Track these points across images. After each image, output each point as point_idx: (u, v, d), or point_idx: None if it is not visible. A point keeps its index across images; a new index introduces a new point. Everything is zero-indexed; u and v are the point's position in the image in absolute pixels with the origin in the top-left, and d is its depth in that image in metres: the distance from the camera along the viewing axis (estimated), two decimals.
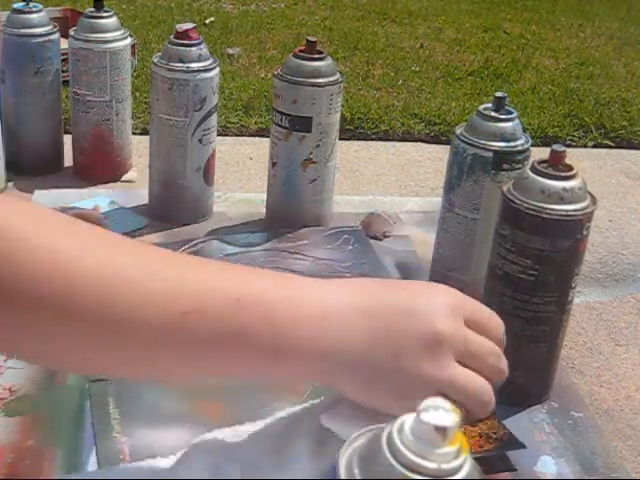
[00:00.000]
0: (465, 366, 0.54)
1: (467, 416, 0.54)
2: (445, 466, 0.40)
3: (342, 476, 0.42)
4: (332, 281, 0.56)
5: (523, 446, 0.73)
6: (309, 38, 1.04)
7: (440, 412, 0.40)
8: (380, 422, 0.53)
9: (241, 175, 1.30)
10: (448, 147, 0.92)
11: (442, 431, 0.39)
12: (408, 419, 0.41)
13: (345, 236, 1.09)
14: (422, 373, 0.53)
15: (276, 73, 1.04)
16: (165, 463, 0.62)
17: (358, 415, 0.56)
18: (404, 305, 0.55)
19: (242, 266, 0.57)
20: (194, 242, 1.04)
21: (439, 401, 0.40)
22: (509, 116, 0.86)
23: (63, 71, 1.20)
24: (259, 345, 0.52)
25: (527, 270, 0.74)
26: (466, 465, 0.40)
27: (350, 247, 1.06)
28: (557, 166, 0.73)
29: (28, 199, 1.10)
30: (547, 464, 0.72)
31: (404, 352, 0.53)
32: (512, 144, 0.85)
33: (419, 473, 0.39)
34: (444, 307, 0.54)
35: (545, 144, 1.48)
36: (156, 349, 0.52)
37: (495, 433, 0.73)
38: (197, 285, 0.52)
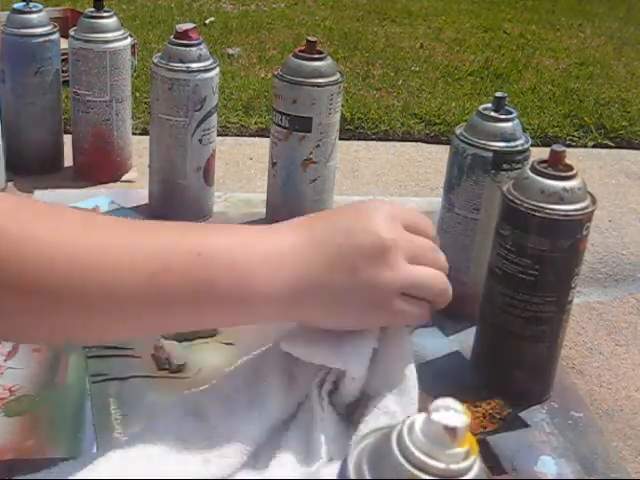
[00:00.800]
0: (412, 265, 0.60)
1: (432, 308, 0.62)
2: (454, 467, 0.40)
3: (351, 475, 0.42)
4: (272, 226, 0.62)
5: (527, 425, 0.74)
6: (309, 38, 1.04)
7: (451, 413, 0.40)
8: (338, 343, 0.59)
9: (241, 175, 1.31)
10: (448, 147, 0.92)
11: (452, 432, 0.39)
12: (419, 418, 0.41)
13: None
14: (381, 280, 0.58)
15: (276, 73, 1.04)
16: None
17: (317, 338, 0.60)
18: (347, 225, 0.60)
19: (193, 223, 0.65)
20: None
21: (450, 401, 0.41)
22: (509, 116, 0.86)
23: (63, 71, 1.20)
24: (228, 294, 0.57)
25: (527, 270, 0.74)
26: (475, 467, 0.40)
27: None
28: (557, 166, 0.73)
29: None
30: (547, 464, 0.72)
31: (360, 266, 0.58)
32: (512, 144, 0.85)
33: (428, 473, 0.39)
34: (383, 218, 0.60)
35: (545, 144, 1.48)
36: (137, 310, 0.57)
37: (499, 413, 0.73)
38: (159, 246, 0.57)
